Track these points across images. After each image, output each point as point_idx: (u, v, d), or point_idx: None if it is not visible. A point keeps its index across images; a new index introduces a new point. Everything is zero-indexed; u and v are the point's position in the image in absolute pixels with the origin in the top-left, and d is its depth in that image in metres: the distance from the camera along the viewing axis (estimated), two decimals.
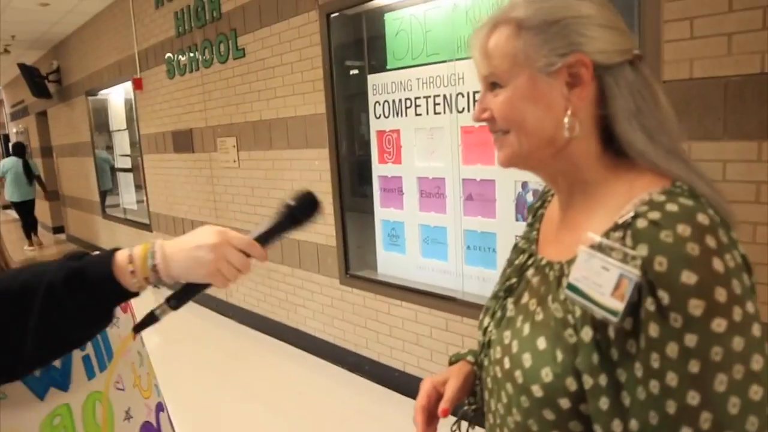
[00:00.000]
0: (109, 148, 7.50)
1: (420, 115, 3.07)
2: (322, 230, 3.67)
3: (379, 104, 3.28)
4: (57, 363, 0.93)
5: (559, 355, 0.70)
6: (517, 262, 0.88)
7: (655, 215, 0.65)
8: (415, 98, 3.08)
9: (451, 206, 3.02)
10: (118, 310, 1.01)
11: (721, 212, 0.68)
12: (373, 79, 3.28)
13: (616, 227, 0.68)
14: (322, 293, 3.81)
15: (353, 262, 3.58)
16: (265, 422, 3.16)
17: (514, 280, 0.85)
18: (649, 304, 0.62)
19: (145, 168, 6.03)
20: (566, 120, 0.73)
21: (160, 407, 1.16)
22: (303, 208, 0.90)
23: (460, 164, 2.93)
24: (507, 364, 0.77)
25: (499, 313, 0.85)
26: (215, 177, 4.73)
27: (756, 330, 0.62)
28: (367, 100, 3.37)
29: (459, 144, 2.92)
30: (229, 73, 4.31)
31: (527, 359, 0.73)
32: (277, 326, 4.32)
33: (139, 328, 0.88)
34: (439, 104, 2.98)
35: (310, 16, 3.47)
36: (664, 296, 0.61)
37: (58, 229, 10.24)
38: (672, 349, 0.61)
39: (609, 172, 0.75)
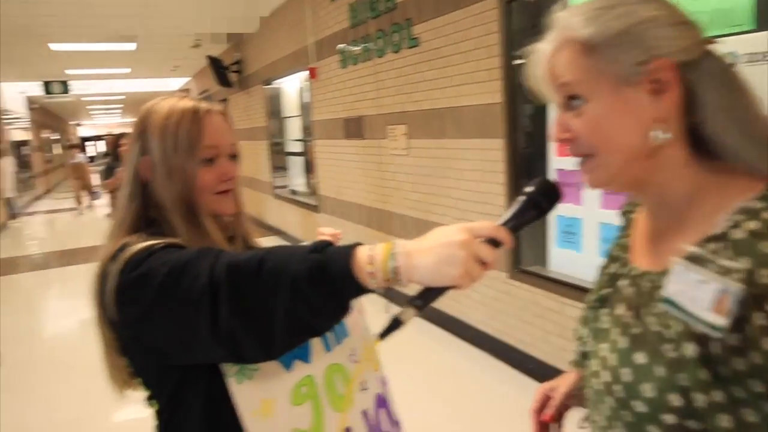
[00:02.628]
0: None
1: None
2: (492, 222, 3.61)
3: None
4: None
5: (659, 371, 0.68)
6: (609, 270, 0.85)
7: (753, 225, 0.63)
8: None
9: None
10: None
11: None
12: None
13: (711, 238, 0.66)
14: (489, 286, 3.76)
15: (523, 256, 3.48)
16: (423, 407, 3.21)
17: (607, 290, 0.83)
18: (759, 319, 0.59)
19: (316, 153, 6.37)
20: (654, 130, 0.69)
21: (384, 381, 1.20)
22: (546, 195, 0.82)
23: None
24: (606, 377, 0.75)
25: (594, 324, 0.83)
26: (384, 164, 4.86)
27: None
28: None
29: None
30: (402, 62, 4.38)
31: (626, 374, 0.71)
32: (439, 315, 4.35)
33: (384, 334, 0.83)
34: None
35: (489, 3, 3.39)
36: None
37: None
38: None
39: (699, 177, 0.72)
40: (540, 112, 3.38)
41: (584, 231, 3.14)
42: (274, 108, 8.02)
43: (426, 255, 0.75)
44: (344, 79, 5.36)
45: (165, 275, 0.85)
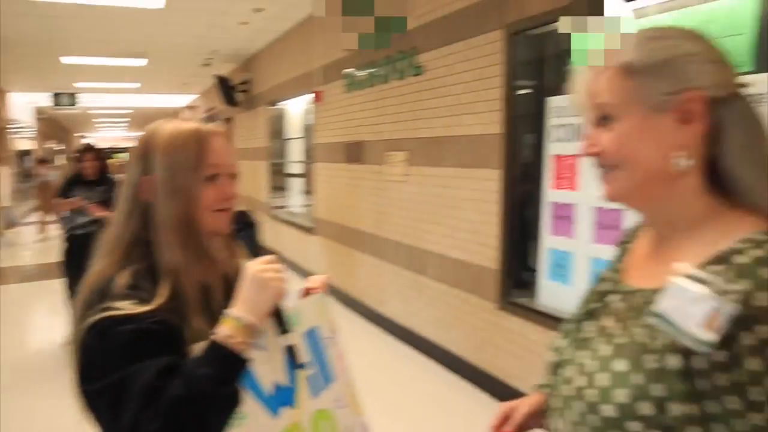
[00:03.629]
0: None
1: None
2: (484, 252, 3.61)
3: (559, 127, 3.15)
4: (285, 382, 1.02)
5: (636, 379, 0.71)
6: (599, 288, 0.91)
7: (758, 253, 0.67)
8: None
9: None
10: (332, 332, 1.08)
11: None
12: (554, 101, 3.17)
13: (714, 261, 0.70)
14: (475, 315, 3.74)
15: (513, 288, 3.47)
16: None
17: (597, 304, 0.88)
18: (746, 339, 0.63)
19: (315, 175, 6.40)
20: (677, 156, 0.75)
21: (366, 426, 1.21)
22: (241, 223, 1.06)
23: None
24: (580, 382, 0.79)
25: (575, 335, 0.88)
26: (381, 189, 4.88)
27: None
28: (538, 122, 3.27)
29: None
30: (405, 89, 4.43)
31: (602, 379, 0.75)
32: (425, 343, 4.32)
33: (297, 365, 1.06)
34: None
35: (493, 36, 3.45)
36: (763, 331, 0.63)
37: None
38: None
39: (710, 208, 0.76)
40: (538, 144, 3.41)
41: (575, 265, 3.13)
42: (277, 129, 8.10)
43: (250, 300, 0.97)
44: (348, 104, 5.43)
45: (113, 383, 0.90)
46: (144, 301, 0.96)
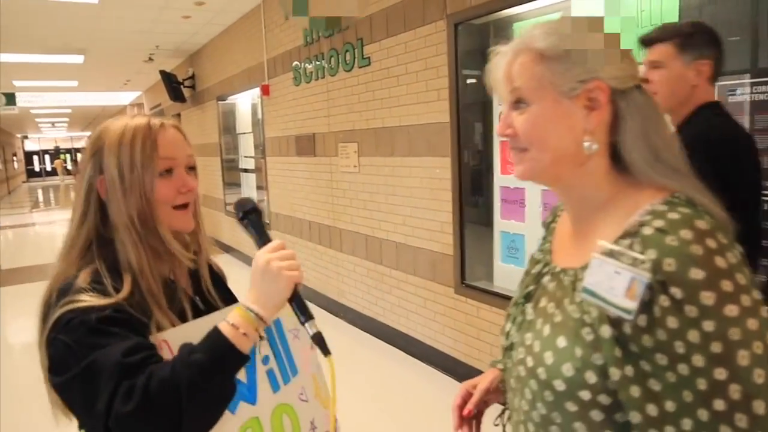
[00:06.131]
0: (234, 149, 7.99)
1: None
2: (440, 238, 3.68)
3: None
4: (243, 378, 0.98)
5: (578, 352, 0.78)
6: (533, 271, 0.96)
7: (659, 223, 0.74)
8: None
9: None
10: (298, 324, 1.08)
11: (719, 218, 0.76)
12: None
13: (625, 235, 0.77)
14: (435, 301, 3.82)
15: (469, 271, 3.56)
16: (371, 423, 3.22)
17: (532, 287, 0.93)
18: (663, 301, 0.70)
19: (268, 170, 6.35)
20: (586, 140, 0.81)
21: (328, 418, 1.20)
22: (249, 211, 1.08)
23: None
24: (530, 362, 0.84)
25: (519, 318, 0.93)
26: (335, 181, 4.90)
27: (765, 312, 0.71)
28: (486, 110, 3.35)
29: None
30: (354, 81, 4.44)
31: (549, 357, 0.81)
32: (387, 330, 4.38)
33: (325, 351, 1.00)
34: None
35: (438, 26, 3.50)
36: (677, 292, 0.69)
37: None
38: (693, 336, 0.69)
39: (616, 187, 0.84)
40: (486, 131, 3.49)
41: (527, 247, 3.24)
42: (227, 124, 7.97)
43: (263, 292, 0.96)
44: (297, 97, 5.40)
45: (82, 370, 0.88)
46: (106, 294, 0.96)
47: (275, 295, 0.96)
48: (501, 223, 3.40)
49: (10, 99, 12.42)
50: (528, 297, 0.93)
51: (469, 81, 3.47)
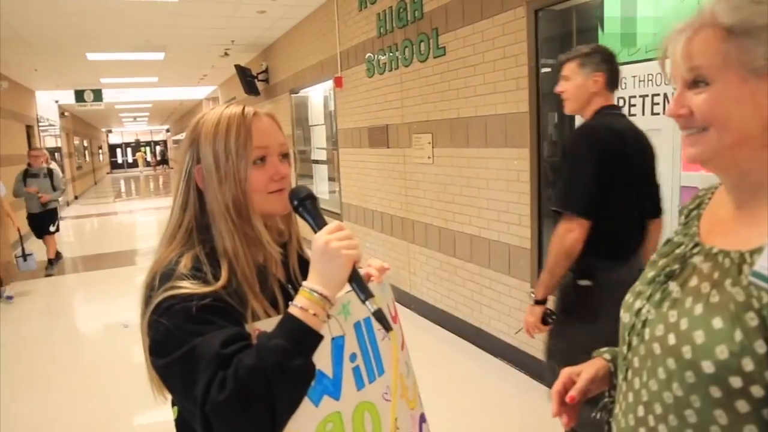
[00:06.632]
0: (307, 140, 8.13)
1: (635, 115, 2.85)
2: (517, 231, 3.60)
3: None
4: (329, 373, 0.99)
5: (738, 336, 0.73)
6: (678, 251, 0.91)
7: None
8: (630, 97, 2.87)
9: (667, 216, 2.77)
10: (390, 322, 1.05)
11: None
12: None
13: None
14: (510, 295, 3.74)
15: None
16: (442, 417, 3.19)
17: (675, 266, 0.89)
18: None
19: (340, 161, 6.42)
20: None
21: (422, 418, 1.19)
22: (306, 199, 1.07)
23: (680, 170, 2.67)
24: (672, 340, 0.80)
25: (658, 296, 0.88)
26: (408, 172, 4.88)
27: None
28: None
29: (679, 147, 2.66)
30: (429, 71, 4.40)
31: (699, 336, 0.76)
32: (459, 323, 4.34)
33: (386, 326, 1.00)
34: (657, 104, 2.74)
35: (517, 13, 3.40)
36: None
37: None
38: None
39: None
40: (564, 121, 3.38)
41: None
42: (300, 116, 8.11)
43: (323, 272, 0.97)
44: (370, 88, 5.41)
45: (182, 356, 0.92)
46: (206, 282, 0.99)
47: (335, 273, 0.97)
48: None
49: (98, 95, 13.16)
50: (670, 275, 0.89)
51: (547, 69, 3.37)
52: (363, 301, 0.97)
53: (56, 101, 14.98)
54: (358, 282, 0.99)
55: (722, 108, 0.78)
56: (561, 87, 2.31)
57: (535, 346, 3.54)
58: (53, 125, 15.06)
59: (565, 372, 1.07)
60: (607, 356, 1.07)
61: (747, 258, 0.78)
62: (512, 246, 3.67)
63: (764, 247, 0.75)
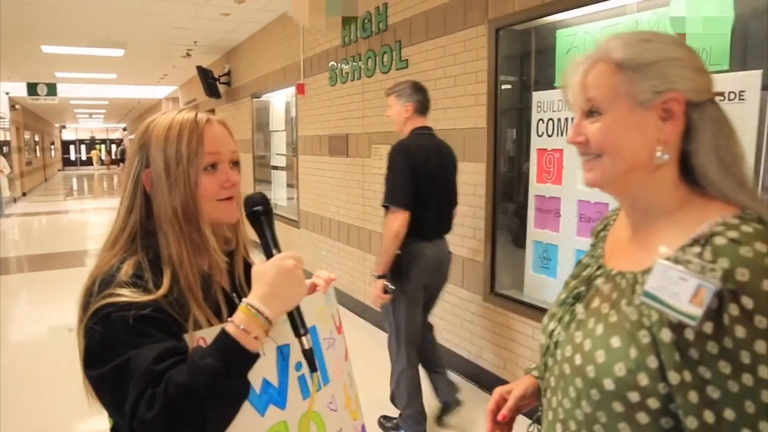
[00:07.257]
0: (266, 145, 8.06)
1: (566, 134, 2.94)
2: (470, 245, 3.65)
3: (543, 122, 3.19)
4: (275, 382, 0.98)
5: (633, 353, 0.78)
6: (584, 273, 0.97)
7: (733, 234, 0.75)
8: (566, 119, 2.96)
9: None
10: (334, 332, 1.04)
11: None
12: (538, 96, 3.21)
13: (693, 243, 0.78)
14: (462, 308, 3.78)
15: (499, 280, 3.51)
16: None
17: (582, 288, 0.95)
18: (733, 310, 0.71)
19: (299, 167, 6.38)
20: (659, 150, 0.82)
21: (363, 429, 1.19)
22: (258, 205, 1.07)
23: None
24: (578, 360, 0.85)
25: (567, 317, 0.94)
26: (367, 182, 4.89)
27: None
28: (525, 117, 3.30)
29: None
30: (391, 83, 4.39)
31: (600, 355, 0.82)
32: None
33: (312, 367, 1.00)
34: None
35: (479, 30, 3.47)
36: (748, 302, 0.70)
37: None
38: (761, 346, 0.69)
39: (683, 198, 0.85)
40: (522, 138, 3.45)
41: (560, 257, 3.18)
42: (261, 121, 8.04)
43: (276, 293, 0.94)
44: (332, 97, 5.41)
45: (115, 368, 0.89)
46: (146, 290, 0.96)
47: (287, 298, 0.96)
48: (534, 233, 3.35)
49: (52, 89, 12.75)
50: (577, 297, 0.94)
51: (506, 87, 3.44)
52: (298, 336, 0.98)
53: (7, 93, 14.44)
54: (300, 316, 0.99)
55: (614, 137, 0.84)
56: (387, 112, 3.08)
57: (488, 359, 3.58)
58: (2, 118, 14.49)
59: (497, 391, 1.12)
60: (536, 373, 1.12)
61: (639, 278, 0.84)
62: (465, 259, 3.72)
63: (654, 267, 0.79)
